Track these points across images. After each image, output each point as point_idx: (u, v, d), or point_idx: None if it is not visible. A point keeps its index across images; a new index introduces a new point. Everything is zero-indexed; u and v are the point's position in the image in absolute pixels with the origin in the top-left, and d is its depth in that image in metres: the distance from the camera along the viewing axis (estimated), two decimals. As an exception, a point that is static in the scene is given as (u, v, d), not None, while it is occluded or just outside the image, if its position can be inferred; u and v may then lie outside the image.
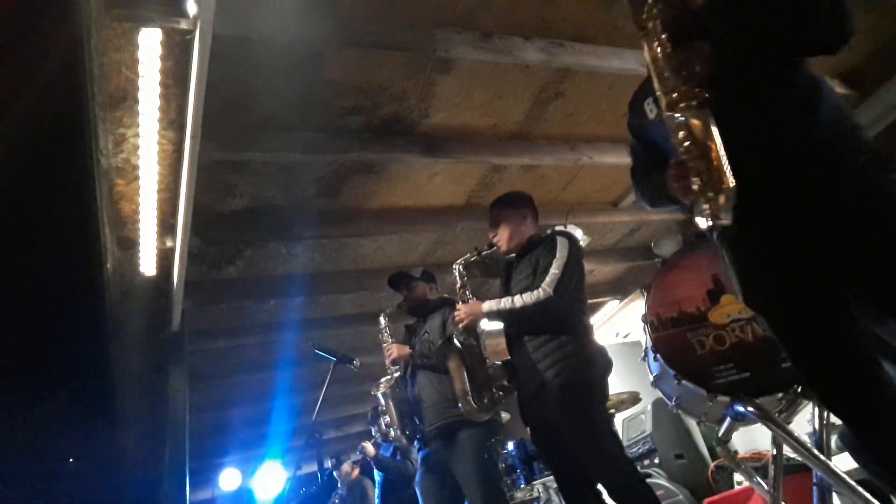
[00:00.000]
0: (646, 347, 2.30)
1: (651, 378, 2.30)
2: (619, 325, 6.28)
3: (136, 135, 2.69)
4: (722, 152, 1.19)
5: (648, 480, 2.44)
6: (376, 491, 4.97)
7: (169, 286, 3.73)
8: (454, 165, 3.64)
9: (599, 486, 2.30)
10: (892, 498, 1.57)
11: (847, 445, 2.06)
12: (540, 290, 2.35)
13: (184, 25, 2.12)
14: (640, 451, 4.26)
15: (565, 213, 4.25)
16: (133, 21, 2.13)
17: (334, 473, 5.59)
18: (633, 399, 3.96)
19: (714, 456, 3.90)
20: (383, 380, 3.08)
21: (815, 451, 1.81)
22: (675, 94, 1.24)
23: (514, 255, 2.63)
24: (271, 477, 7.73)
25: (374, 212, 3.88)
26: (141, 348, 4.46)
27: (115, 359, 4.46)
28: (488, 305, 2.48)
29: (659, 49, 1.27)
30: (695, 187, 1.21)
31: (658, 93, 1.28)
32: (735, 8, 1.30)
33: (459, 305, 2.59)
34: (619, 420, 4.32)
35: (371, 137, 3.20)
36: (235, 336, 4.92)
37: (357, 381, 5.68)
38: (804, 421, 2.52)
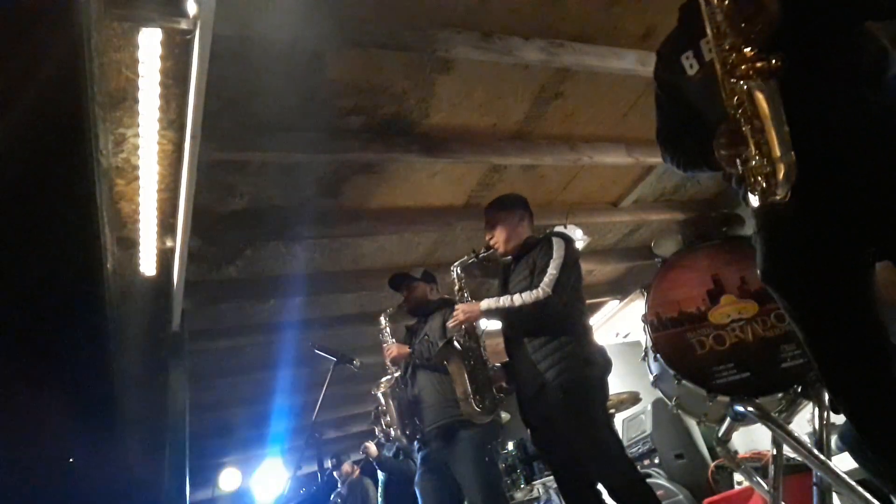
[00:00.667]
0: (646, 347, 2.30)
1: (651, 378, 2.31)
2: (619, 325, 6.28)
3: (136, 135, 2.69)
4: (785, 127, 1.07)
5: (648, 480, 2.44)
6: (379, 491, 4.98)
7: (169, 286, 3.73)
8: (454, 165, 3.64)
9: (599, 486, 2.30)
10: (893, 498, 1.56)
11: (847, 445, 2.06)
12: (539, 289, 2.35)
13: (184, 25, 2.11)
14: (640, 451, 4.27)
15: (565, 213, 4.26)
16: (133, 21, 2.13)
17: (334, 473, 5.60)
18: (633, 399, 3.96)
19: (714, 456, 3.90)
20: (383, 379, 3.08)
21: (815, 451, 1.81)
22: (735, 55, 1.09)
23: (510, 257, 2.64)
24: (271, 477, 7.74)
25: (374, 212, 3.88)
26: (141, 348, 4.46)
27: (115, 359, 4.46)
28: (486, 304, 2.48)
29: None
30: (749, 161, 1.08)
31: (709, 48, 1.14)
32: None
33: (458, 305, 2.59)
34: (619, 420, 4.32)
35: (371, 137, 3.20)
36: (235, 336, 4.91)
37: (357, 381, 5.67)
38: (804, 421, 2.52)
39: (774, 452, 2.08)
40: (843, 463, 2.01)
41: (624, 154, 3.82)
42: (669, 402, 2.23)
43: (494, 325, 2.76)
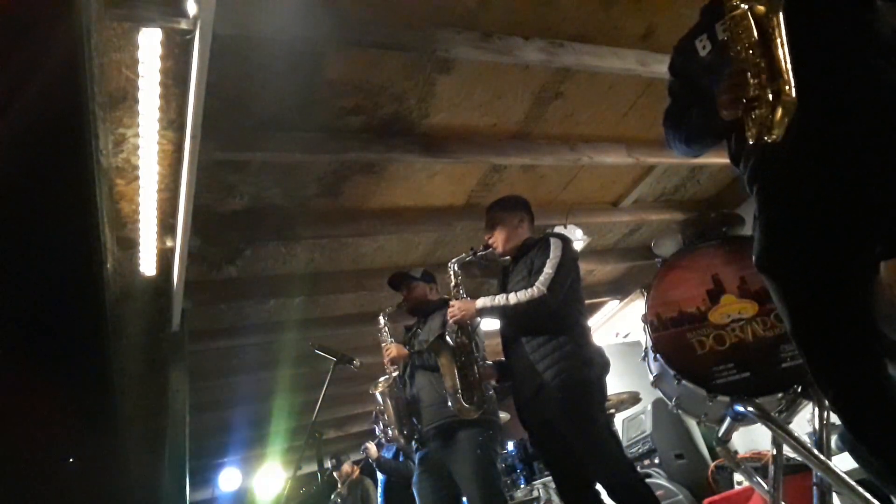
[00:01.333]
0: (646, 347, 2.30)
1: (651, 378, 2.31)
2: (619, 325, 6.28)
3: (136, 135, 2.69)
4: (787, 56, 1.09)
5: (648, 480, 2.44)
6: (379, 491, 4.98)
7: (169, 286, 3.73)
8: (454, 165, 3.64)
9: (598, 487, 2.30)
10: (893, 498, 1.56)
11: (847, 445, 2.06)
12: (534, 288, 2.36)
13: (184, 25, 2.12)
14: (640, 451, 4.27)
15: (565, 213, 4.26)
16: (133, 21, 2.13)
17: (334, 473, 5.59)
18: (633, 399, 3.96)
19: (714, 456, 3.90)
20: (382, 379, 3.08)
21: (815, 451, 1.81)
22: None
23: (509, 258, 2.64)
24: (271, 477, 7.73)
25: (374, 212, 3.88)
26: (141, 348, 4.46)
27: (114, 359, 4.46)
28: (482, 302, 2.48)
29: None
30: (750, 106, 1.11)
31: (723, 28, 1.18)
32: None
33: (453, 302, 2.60)
34: (619, 420, 4.33)
35: (371, 137, 3.20)
36: (235, 336, 4.91)
37: (357, 381, 5.68)
38: (804, 421, 2.53)
39: (774, 452, 2.08)
40: (843, 463, 2.01)
41: (624, 154, 3.82)
42: (669, 402, 2.23)
43: (494, 325, 2.76)
